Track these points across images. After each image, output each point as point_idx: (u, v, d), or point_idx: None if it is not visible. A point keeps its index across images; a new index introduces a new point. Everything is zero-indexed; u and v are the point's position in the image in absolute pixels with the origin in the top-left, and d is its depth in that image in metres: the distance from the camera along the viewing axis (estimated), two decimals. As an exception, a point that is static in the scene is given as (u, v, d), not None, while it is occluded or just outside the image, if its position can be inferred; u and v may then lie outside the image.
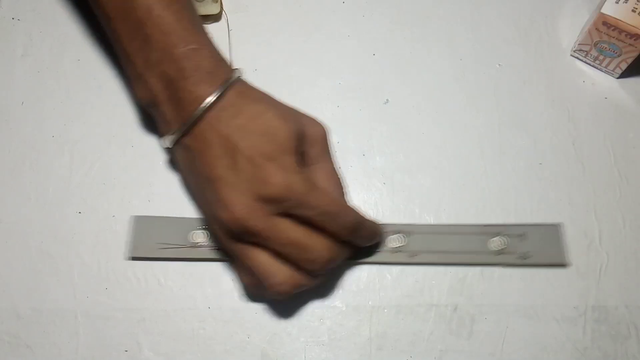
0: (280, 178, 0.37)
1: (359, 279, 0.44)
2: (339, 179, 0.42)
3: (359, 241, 0.41)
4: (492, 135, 0.47)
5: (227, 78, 0.39)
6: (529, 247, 0.43)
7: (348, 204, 0.40)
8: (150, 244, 0.44)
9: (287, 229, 0.37)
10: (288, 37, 0.49)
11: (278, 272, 0.38)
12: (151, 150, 0.46)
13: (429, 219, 0.45)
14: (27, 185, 0.46)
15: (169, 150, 0.43)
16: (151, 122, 0.47)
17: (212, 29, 0.47)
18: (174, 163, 0.46)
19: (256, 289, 0.41)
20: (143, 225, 0.44)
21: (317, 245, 0.38)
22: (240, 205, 0.37)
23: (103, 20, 0.42)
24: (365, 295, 0.44)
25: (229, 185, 0.37)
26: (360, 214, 0.40)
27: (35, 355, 0.43)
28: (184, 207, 0.45)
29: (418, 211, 0.45)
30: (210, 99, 0.38)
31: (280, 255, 0.38)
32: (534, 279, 0.43)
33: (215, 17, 0.49)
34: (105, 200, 0.45)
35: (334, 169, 0.42)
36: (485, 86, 0.48)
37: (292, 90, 0.48)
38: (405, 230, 0.44)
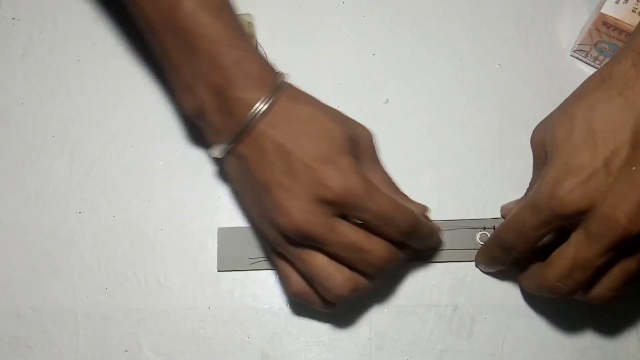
0: (339, 180, 0.36)
1: (359, 279, 0.44)
2: (394, 183, 0.42)
3: (415, 244, 0.40)
4: (492, 135, 0.47)
5: (275, 83, 0.39)
6: None
7: (406, 205, 0.39)
8: (239, 257, 0.44)
9: (345, 232, 0.37)
10: (288, 37, 0.49)
11: (337, 274, 0.38)
12: (151, 150, 0.46)
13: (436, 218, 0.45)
14: (27, 185, 0.46)
15: (218, 161, 0.42)
16: (151, 123, 0.47)
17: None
18: (223, 174, 0.45)
19: (306, 297, 0.40)
20: (228, 237, 0.44)
21: (375, 247, 0.38)
22: (299, 210, 0.36)
23: (148, 33, 0.41)
24: (365, 295, 0.44)
25: (287, 191, 0.37)
26: (418, 216, 0.39)
27: (35, 355, 0.43)
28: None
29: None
30: (261, 105, 0.37)
31: (338, 258, 0.38)
32: (534, 279, 0.43)
33: None
34: (105, 200, 0.45)
35: (387, 175, 0.42)
36: (485, 86, 0.48)
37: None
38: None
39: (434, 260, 0.44)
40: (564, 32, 0.49)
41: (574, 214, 0.35)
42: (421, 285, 0.44)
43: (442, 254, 0.44)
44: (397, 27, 0.49)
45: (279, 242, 0.38)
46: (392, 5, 0.50)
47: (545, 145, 0.40)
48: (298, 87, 0.40)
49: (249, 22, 0.47)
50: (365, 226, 0.38)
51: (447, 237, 0.44)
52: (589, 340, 0.42)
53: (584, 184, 0.35)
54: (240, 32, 0.40)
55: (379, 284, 0.40)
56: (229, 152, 0.39)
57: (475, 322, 0.43)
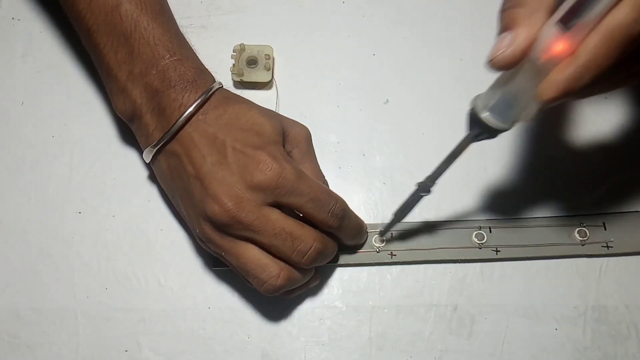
0: (270, 165, 0.37)
1: (359, 279, 0.44)
2: (323, 177, 0.43)
3: (345, 234, 0.41)
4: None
5: (210, 86, 0.40)
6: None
7: (341, 197, 0.40)
8: None
9: (277, 219, 0.38)
10: (288, 37, 0.49)
11: (271, 264, 0.38)
12: (151, 150, 0.46)
13: (429, 218, 0.45)
14: (27, 185, 0.46)
15: (150, 165, 0.43)
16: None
17: (259, 94, 0.48)
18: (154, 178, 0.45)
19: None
20: None
21: (307, 236, 0.38)
22: (230, 196, 0.37)
23: (84, 33, 0.41)
24: (365, 295, 0.44)
25: (218, 180, 0.37)
26: (348, 206, 0.40)
27: (35, 355, 0.43)
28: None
29: (418, 211, 0.45)
30: (194, 105, 0.39)
31: (270, 248, 0.38)
32: (534, 279, 0.43)
33: (266, 85, 0.48)
34: (105, 200, 0.45)
35: (318, 168, 0.43)
36: (486, 86, 0.48)
37: (293, 91, 0.48)
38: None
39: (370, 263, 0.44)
40: (564, 32, 0.49)
41: None
42: (421, 285, 0.44)
43: (441, 253, 0.43)
44: (397, 27, 0.49)
45: (211, 237, 0.38)
46: (392, 5, 0.50)
47: None
48: (231, 91, 0.42)
49: (267, 55, 0.47)
50: (297, 217, 0.38)
51: (446, 237, 0.44)
52: (589, 340, 0.42)
53: None
54: (177, 37, 0.41)
55: (311, 274, 0.41)
56: (160, 153, 0.40)
57: (475, 322, 0.43)
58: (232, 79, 0.47)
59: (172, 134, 0.39)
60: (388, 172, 0.46)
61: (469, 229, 0.44)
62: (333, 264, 0.43)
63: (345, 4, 0.50)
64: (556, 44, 0.29)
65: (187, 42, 0.42)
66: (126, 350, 0.43)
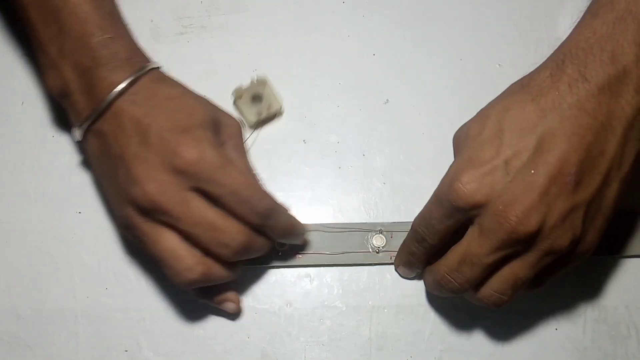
0: (193, 149, 0.36)
1: (359, 279, 0.44)
2: (255, 175, 0.41)
3: (272, 234, 0.39)
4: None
5: (143, 66, 0.39)
6: None
7: (270, 195, 0.39)
8: None
9: (199, 207, 0.37)
10: (288, 37, 0.49)
11: (186, 256, 0.37)
12: (151, 150, 0.46)
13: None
14: (27, 185, 0.46)
15: (80, 145, 0.42)
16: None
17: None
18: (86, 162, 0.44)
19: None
20: None
21: (230, 228, 0.37)
22: (152, 180, 0.36)
23: (16, 7, 0.41)
24: (365, 295, 0.44)
25: (142, 162, 0.37)
26: (278, 204, 0.39)
27: (35, 355, 0.43)
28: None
29: (418, 211, 0.45)
30: (124, 84, 0.38)
31: (190, 237, 0.37)
32: (534, 279, 0.43)
33: (280, 108, 0.47)
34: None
35: (250, 166, 0.42)
36: (485, 86, 0.48)
37: (292, 90, 0.48)
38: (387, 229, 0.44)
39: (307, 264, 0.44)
40: (564, 32, 0.49)
41: (469, 206, 0.35)
42: (421, 285, 0.44)
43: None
44: (397, 27, 0.49)
45: (133, 221, 0.37)
46: (392, 5, 0.50)
47: (459, 143, 0.39)
48: (166, 74, 0.41)
49: (261, 79, 0.46)
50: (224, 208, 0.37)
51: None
52: (589, 340, 0.42)
53: (480, 178, 0.35)
54: (114, 16, 0.41)
55: (235, 274, 0.40)
56: (89, 132, 0.39)
57: (475, 322, 0.43)
58: (251, 128, 0.46)
59: (100, 112, 0.38)
60: (388, 172, 0.46)
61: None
62: (261, 265, 0.43)
63: (345, 4, 0.50)
64: None
65: (122, 21, 0.41)
66: (126, 350, 0.43)
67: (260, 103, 0.45)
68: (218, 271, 0.38)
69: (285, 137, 0.47)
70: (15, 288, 0.44)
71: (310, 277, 0.44)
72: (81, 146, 0.41)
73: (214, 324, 0.43)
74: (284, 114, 0.47)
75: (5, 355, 0.43)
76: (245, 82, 0.46)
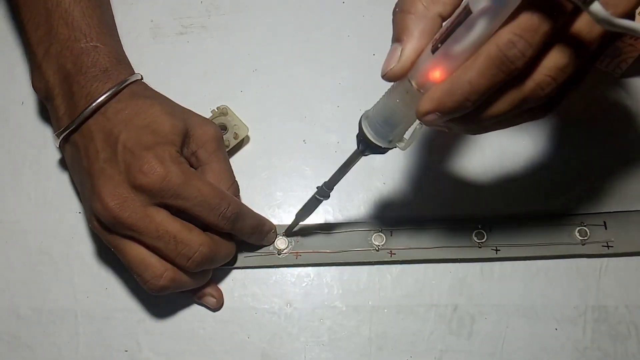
0: (155, 167, 0.36)
1: (359, 279, 0.44)
2: (231, 178, 0.41)
3: (241, 235, 0.40)
4: (492, 135, 0.47)
5: (123, 79, 0.39)
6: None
7: (236, 198, 0.40)
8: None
9: (162, 221, 0.37)
10: (288, 37, 0.49)
11: (153, 265, 0.38)
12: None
13: (428, 217, 0.45)
14: (27, 185, 0.46)
15: (60, 150, 0.43)
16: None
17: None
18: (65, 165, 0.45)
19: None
20: None
21: (192, 240, 0.37)
22: (113, 196, 0.37)
23: (13, 8, 0.42)
24: (365, 295, 0.44)
25: (106, 177, 0.37)
26: (244, 205, 0.40)
27: (35, 355, 0.43)
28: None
29: (417, 209, 0.45)
30: (101, 98, 0.38)
31: (154, 250, 0.38)
32: (534, 279, 0.43)
33: (246, 135, 0.45)
34: (105, 200, 0.45)
35: (226, 168, 0.41)
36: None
37: (292, 90, 0.48)
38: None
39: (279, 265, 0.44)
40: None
41: None
42: (421, 285, 0.44)
43: (441, 252, 0.43)
44: (397, 27, 0.49)
45: (99, 233, 0.39)
46: (392, 5, 0.50)
47: None
48: (147, 86, 0.41)
49: (222, 109, 0.45)
50: (189, 219, 0.38)
51: (445, 236, 0.44)
52: (589, 340, 0.42)
53: None
54: (103, 26, 0.41)
55: (204, 279, 0.41)
56: (66, 141, 0.40)
57: (475, 322, 0.43)
58: None
59: (77, 125, 0.39)
60: (388, 172, 0.46)
61: (468, 228, 0.44)
62: (229, 266, 0.43)
63: (345, 4, 0.50)
64: (431, 70, 0.29)
65: (113, 31, 0.42)
66: (126, 350, 0.43)
67: (226, 132, 0.45)
68: (186, 279, 0.39)
69: (285, 137, 0.47)
70: (15, 288, 0.44)
71: (310, 277, 0.44)
72: (61, 151, 0.42)
73: (214, 324, 0.43)
74: (284, 114, 0.47)
75: (5, 355, 0.43)
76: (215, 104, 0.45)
